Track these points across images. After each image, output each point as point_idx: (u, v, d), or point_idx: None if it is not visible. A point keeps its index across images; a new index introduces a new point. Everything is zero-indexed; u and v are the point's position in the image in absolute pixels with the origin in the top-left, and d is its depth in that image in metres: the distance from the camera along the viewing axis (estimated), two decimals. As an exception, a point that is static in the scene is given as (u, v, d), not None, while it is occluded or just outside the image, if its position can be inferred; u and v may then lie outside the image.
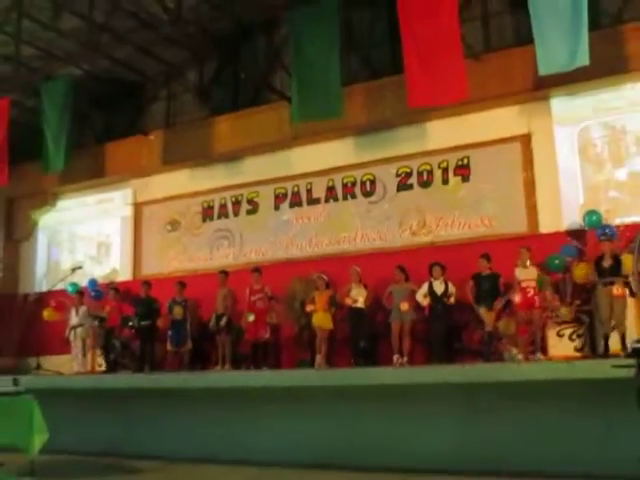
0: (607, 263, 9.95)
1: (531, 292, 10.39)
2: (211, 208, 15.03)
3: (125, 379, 11.55)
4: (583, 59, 9.73)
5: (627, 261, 9.78)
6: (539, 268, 10.65)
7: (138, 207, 16.10)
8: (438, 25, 10.87)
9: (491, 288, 10.65)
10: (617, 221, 10.75)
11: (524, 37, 11.62)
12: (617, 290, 9.79)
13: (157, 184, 15.80)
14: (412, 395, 8.44)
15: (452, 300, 11.05)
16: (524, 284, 10.42)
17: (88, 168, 15.95)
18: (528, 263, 10.53)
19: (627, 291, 9.85)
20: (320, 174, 13.73)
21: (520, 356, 10.37)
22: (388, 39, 13.44)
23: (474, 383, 8.06)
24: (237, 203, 14.70)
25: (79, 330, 13.93)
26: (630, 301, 9.98)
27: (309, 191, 13.88)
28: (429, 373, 8.76)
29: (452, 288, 11.04)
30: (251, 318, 12.05)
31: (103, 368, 13.70)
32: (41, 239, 17.54)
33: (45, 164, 14.87)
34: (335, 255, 13.24)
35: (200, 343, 13.25)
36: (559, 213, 11.53)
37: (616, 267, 9.90)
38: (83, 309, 14.06)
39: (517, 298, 10.43)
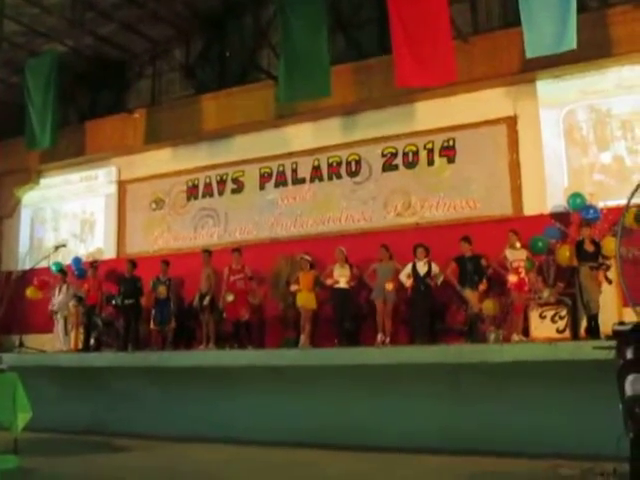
0: (589, 247, 10.04)
1: (522, 273, 10.48)
2: (196, 187, 14.94)
3: (108, 357, 11.56)
4: (570, 43, 9.73)
5: (610, 244, 9.87)
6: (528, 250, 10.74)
7: (122, 185, 15.98)
8: (426, 6, 10.85)
9: (475, 269, 10.68)
10: (601, 204, 10.77)
11: (512, 19, 11.61)
12: (601, 276, 9.93)
13: (142, 162, 15.67)
14: (396, 375, 8.50)
15: (437, 281, 11.08)
16: (515, 264, 10.50)
17: (72, 146, 15.82)
18: (518, 245, 10.59)
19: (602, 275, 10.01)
20: (306, 154, 13.68)
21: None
22: (376, 19, 13.39)
23: (458, 364, 8.13)
24: (222, 182, 14.62)
25: (61, 308, 13.90)
26: (609, 286, 10.12)
27: (294, 171, 13.82)
28: (413, 353, 8.81)
29: (436, 269, 11.07)
30: (230, 298, 12.00)
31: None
32: (24, 217, 17.38)
33: (29, 141, 14.76)
34: (320, 235, 13.22)
35: (184, 322, 13.24)
36: (544, 196, 11.54)
37: (596, 251, 10.03)
38: (66, 287, 14.02)
39: (513, 278, 10.47)
